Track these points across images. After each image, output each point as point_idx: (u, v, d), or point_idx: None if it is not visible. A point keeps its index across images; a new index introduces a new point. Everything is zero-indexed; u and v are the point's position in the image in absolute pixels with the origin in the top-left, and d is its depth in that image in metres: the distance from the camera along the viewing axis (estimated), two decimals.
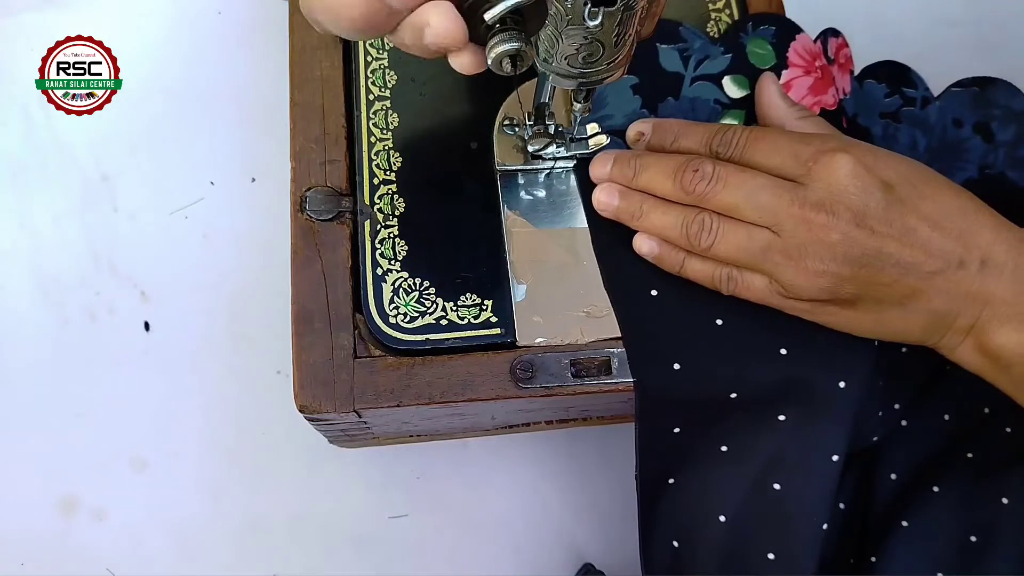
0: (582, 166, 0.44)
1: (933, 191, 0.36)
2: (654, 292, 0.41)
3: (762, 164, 0.38)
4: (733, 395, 0.40)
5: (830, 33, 0.47)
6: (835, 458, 0.38)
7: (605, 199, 0.42)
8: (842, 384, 0.39)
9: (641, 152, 0.42)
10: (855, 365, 0.39)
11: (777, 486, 0.38)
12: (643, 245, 0.41)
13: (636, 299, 0.41)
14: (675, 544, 0.39)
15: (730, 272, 0.39)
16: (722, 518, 0.38)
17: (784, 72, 0.46)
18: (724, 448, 0.39)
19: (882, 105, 0.47)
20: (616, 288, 0.42)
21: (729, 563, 0.38)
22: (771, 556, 0.38)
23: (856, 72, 0.48)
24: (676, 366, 0.40)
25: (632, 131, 0.43)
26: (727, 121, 0.46)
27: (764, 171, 0.38)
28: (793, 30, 0.47)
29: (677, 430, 0.40)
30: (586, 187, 0.43)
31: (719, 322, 0.40)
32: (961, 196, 0.36)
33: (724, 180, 0.38)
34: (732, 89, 0.46)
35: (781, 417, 0.39)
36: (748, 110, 0.46)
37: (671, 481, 0.39)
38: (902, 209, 0.35)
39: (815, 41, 0.47)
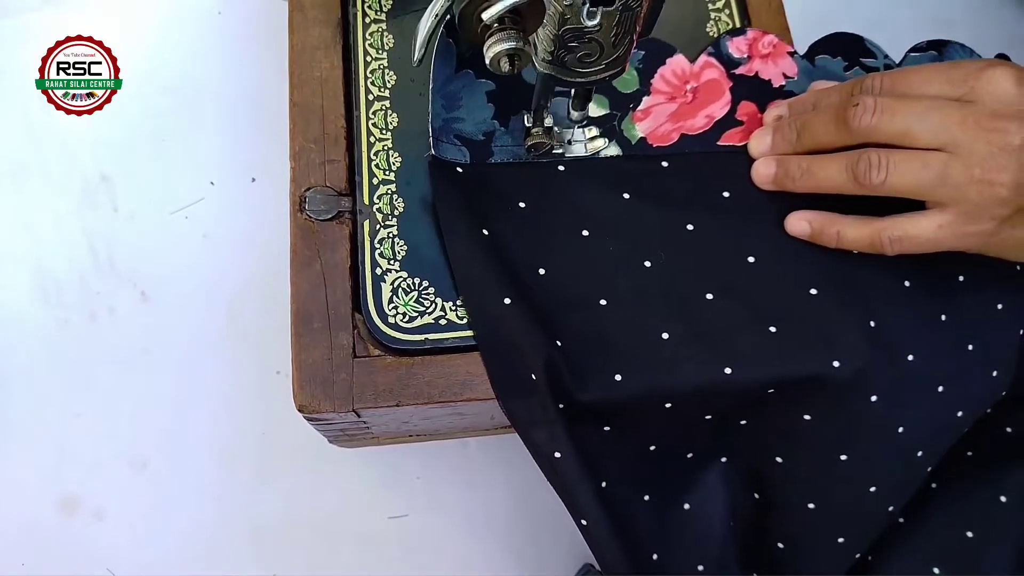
0: (436, 165, 0.42)
1: None
2: (507, 300, 0.38)
3: (917, 95, 0.37)
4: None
5: (728, 35, 0.46)
6: (718, 471, 0.41)
7: (764, 170, 0.42)
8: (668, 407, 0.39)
9: (795, 116, 0.42)
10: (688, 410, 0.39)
11: (688, 506, 0.41)
12: (795, 225, 0.41)
13: (489, 308, 0.39)
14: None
15: (889, 229, 0.38)
16: (655, 557, 0.39)
17: (645, 99, 0.45)
18: (604, 482, 0.39)
19: (843, 79, 0.46)
20: (470, 297, 0.40)
21: None
22: (701, 568, 0.40)
23: (803, 52, 0.47)
24: (533, 376, 0.37)
25: (769, 116, 0.44)
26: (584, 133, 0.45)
27: None
28: (664, 54, 0.46)
29: (559, 456, 0.38)
30: (440, 188, 0.41)
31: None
32: None
33: (890, 109, 0.37)
34: (591, 107, 0.45)
35: (652, 448, 0.40)
36: (606, 127, 0.45)
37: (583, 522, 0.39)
38: None
39: (697, 57, 0.46)
